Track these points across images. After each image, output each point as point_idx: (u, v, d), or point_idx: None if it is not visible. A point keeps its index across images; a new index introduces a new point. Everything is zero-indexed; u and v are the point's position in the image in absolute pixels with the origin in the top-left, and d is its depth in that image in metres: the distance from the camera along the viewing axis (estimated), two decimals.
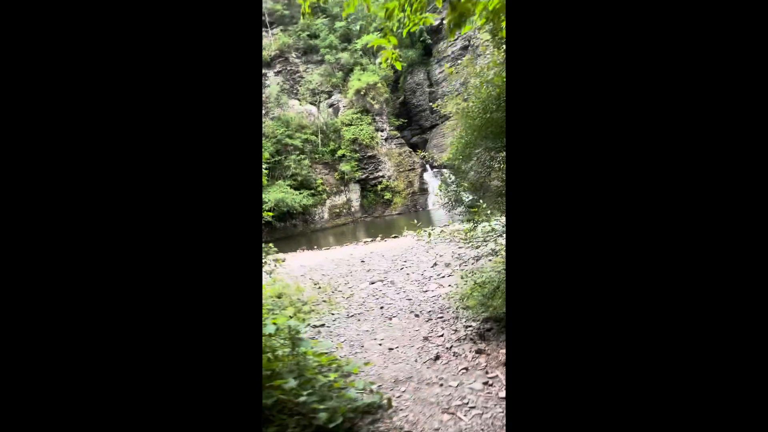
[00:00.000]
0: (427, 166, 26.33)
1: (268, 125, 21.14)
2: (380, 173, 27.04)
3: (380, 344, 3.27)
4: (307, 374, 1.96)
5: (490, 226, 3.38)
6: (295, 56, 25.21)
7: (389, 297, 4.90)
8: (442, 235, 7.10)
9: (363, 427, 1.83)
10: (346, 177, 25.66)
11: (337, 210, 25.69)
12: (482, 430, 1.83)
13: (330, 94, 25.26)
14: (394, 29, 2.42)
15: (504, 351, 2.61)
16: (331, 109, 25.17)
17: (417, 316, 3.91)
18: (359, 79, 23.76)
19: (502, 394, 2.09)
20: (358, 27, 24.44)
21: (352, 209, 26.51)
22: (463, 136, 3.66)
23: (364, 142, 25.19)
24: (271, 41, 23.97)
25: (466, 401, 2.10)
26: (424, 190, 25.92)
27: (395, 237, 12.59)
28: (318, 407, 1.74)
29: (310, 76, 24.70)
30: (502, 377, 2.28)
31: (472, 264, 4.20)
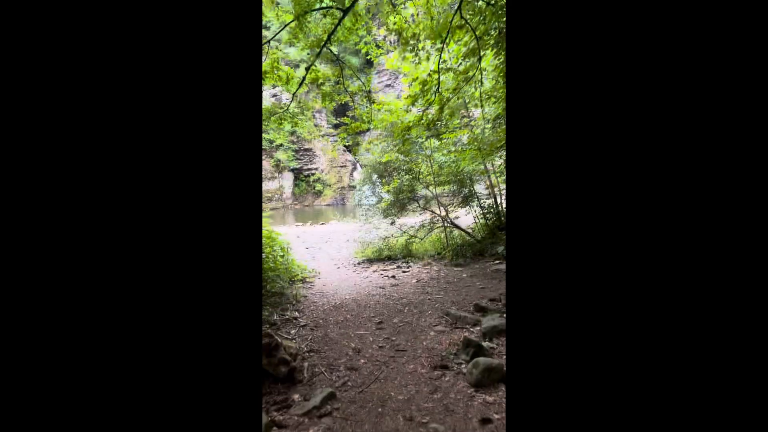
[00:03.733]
0: (358, 165, 30.30)
1: None
2: (314, 165, 30.32)
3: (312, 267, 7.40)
4: (291, 267, 6.01)
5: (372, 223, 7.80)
6: None
7: (318, 255, 8.97)
8: (356, 222, 11.48)
9: (312, 276, 6.04)
10: (281, 165, 28.43)
11: (270, 195, 28.41)
12: (352, 280, 6.07)
13: (273, 85, 27.89)
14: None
15: (370, 267, 6.94)
16: (274, 99, 27.75)
17: (332, 260, 8.06)
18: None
19: (360, 271, 6.35)
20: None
21: (284, 196, 29.43)
22: (365, 173, 7.98)
23: (303, 136, 28.40)
24: None
25: (348, 274, 6.29)
26: (353, 187, 29.54)
27: (323, 224, 16.72)
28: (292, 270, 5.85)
29: None
30: (367, 268, 6.61)
31: (361, 234, 8.63)
